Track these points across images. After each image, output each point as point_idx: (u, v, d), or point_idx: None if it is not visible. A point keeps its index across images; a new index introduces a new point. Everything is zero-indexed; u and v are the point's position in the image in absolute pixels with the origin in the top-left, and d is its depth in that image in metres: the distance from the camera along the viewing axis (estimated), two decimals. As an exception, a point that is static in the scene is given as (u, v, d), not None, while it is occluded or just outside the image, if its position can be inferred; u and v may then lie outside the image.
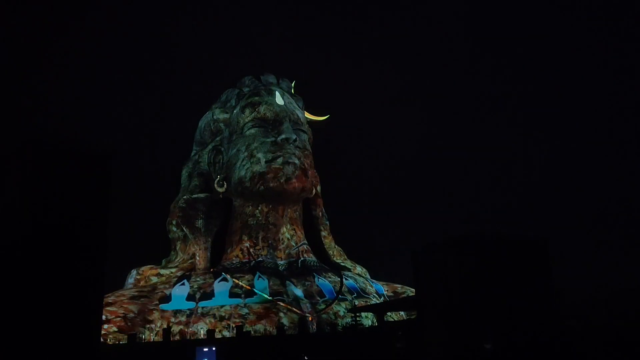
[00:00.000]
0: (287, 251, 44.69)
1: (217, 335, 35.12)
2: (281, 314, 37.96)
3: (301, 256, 44.99)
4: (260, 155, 43.80)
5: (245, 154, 44.44)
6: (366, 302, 41.60)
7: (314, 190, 48.15)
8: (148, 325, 36.54)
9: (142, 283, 42.48)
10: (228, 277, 40.43)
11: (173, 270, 43.74)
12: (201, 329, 36.20)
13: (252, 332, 35.78)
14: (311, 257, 45.71)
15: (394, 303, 42.30)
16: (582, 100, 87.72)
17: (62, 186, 19.42)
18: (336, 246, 49.54)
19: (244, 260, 43.05)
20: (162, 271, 43.73)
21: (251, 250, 43.81)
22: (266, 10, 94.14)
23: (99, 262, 19.40)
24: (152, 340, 35.54)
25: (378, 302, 42.63)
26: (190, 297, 38.89)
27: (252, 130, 45.07)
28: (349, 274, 45.70)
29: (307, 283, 41.78)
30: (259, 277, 40.65)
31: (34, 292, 18.37)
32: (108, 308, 35.88)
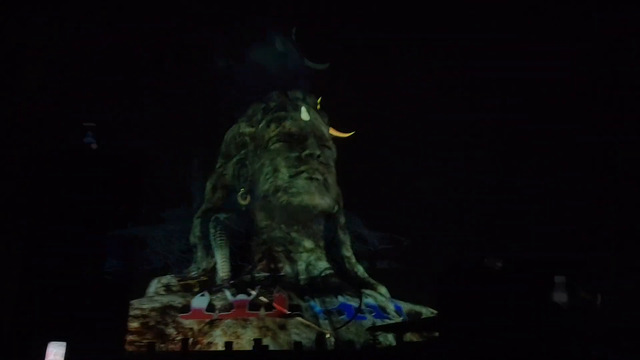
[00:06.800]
0: (308, 267, 44.48)
1: (235, 348, 34.99)
2: (299, 330, 37.66)
3: (322, 273, 44.73)
4: (283, 169, 44.19)
5: (269, 168, 44.77)
6: (386, 321, 41.11)
7: (336, 207, 48.08)
8: (167, 336, 36.63)
9: (162, 293, 42.66)
10: (248, 289, 40.36)
11: (194, 281, 43.95)
12: (219, 340, 36.11)
13: (270, 347, 35.54)
14: (332, 273, 45.39)
15: (414, 323, 41.72)
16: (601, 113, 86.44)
17: (91, 188, 19.70)
18: (357, 263, 49.18)
19: (265, 274, 42.95)
20: (183, 282, 43.89)
21: (272, 264, 43.72)
22: (289, 21, 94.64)
23: (125, 270, 19.55)
24: (170, 350, 35.56)
25: (398, 321, 42.10)
26: (210, 309, 38.86)
27: (277, 145, 45.43)
28: (369, 292, 45.25)
29: (326, 300, 41.47)
30: (279, 291, 40.50)
31: (57, 296, 18.54)
32: (128, 317, 36.03)
